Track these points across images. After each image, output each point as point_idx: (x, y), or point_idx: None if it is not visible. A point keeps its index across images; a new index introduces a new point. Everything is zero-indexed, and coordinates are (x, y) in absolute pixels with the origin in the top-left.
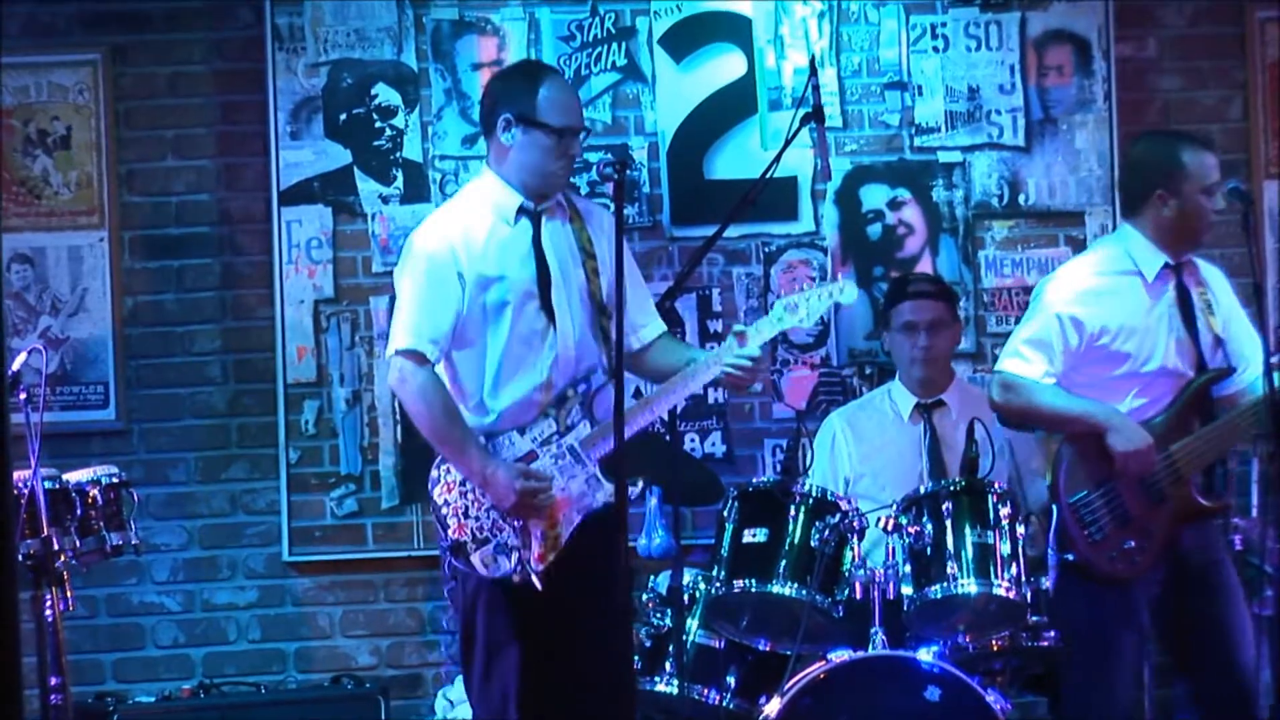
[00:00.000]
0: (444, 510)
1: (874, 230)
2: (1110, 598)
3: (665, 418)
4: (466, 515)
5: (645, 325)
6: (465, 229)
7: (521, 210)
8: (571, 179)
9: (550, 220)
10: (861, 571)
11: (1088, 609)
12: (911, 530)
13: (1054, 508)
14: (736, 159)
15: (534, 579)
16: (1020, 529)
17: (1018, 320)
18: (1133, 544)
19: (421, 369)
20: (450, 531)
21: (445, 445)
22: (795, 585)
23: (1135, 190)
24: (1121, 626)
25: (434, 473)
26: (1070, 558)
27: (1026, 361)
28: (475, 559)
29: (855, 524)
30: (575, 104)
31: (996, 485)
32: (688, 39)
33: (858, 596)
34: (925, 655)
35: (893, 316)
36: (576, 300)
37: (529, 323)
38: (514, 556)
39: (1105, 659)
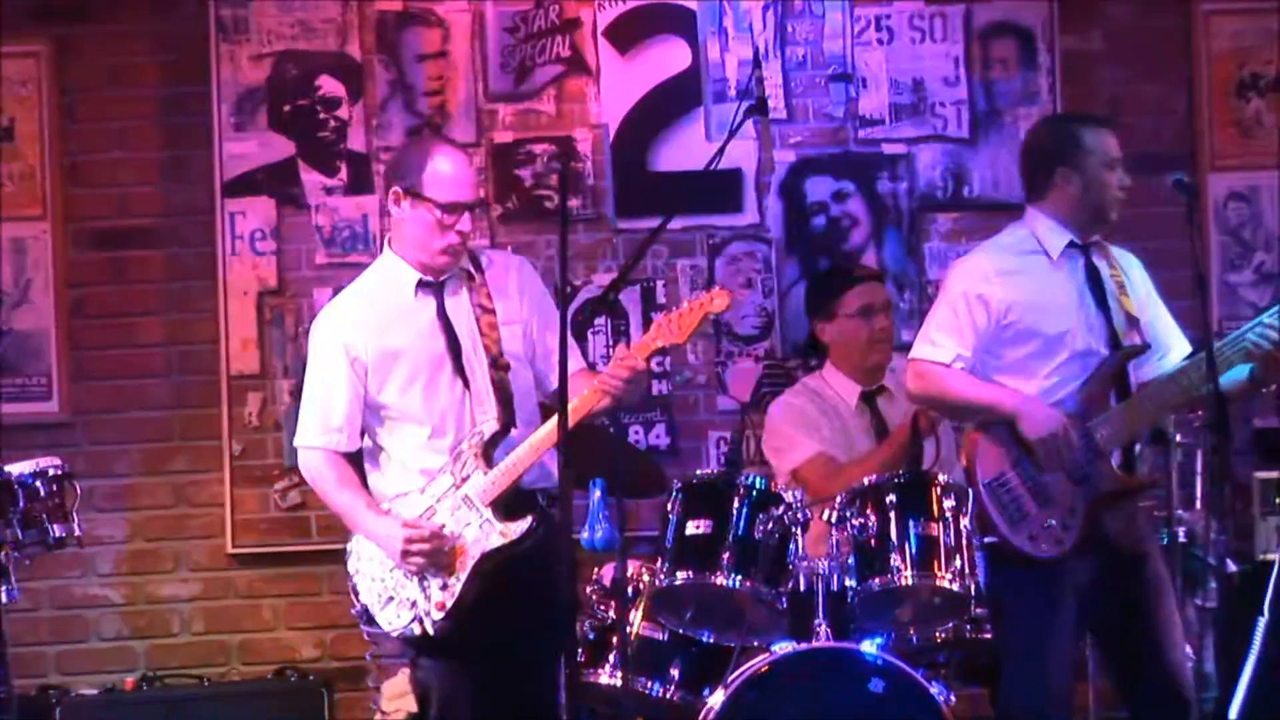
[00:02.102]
0: (354, 579)
1: (818, 222)
2: (1039, 584)
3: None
4: (373, 579)
5: (552, 373)
6: (365, 310)
7: (421, 284)
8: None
9: (453, 286)
10: (805, 563)
11: (1016, 595)
12: (855, 522)
13: (969, 491)
14: (681, 151)
15: (429, 627)
16: (965, 520)
17: None
18: (1054, 523)
19: (317, 455)
20: (359, 598)
21: (343, 515)
22: (739, 577)
23: (1038, 172)
24: (1052, 613)
25: (349, 545)
26: (991, 540)
27: (938, 347)
28: (381, 619)
29: (799, 516)
30: (465, 177)
31: (940, 477)
32: (632, 31)
33: (802, 588)
34: (869, 647)
35: (842, 304)
36: (478, 361)
37: (445, 389)
38: (414, 610)
39: (1038, 647)
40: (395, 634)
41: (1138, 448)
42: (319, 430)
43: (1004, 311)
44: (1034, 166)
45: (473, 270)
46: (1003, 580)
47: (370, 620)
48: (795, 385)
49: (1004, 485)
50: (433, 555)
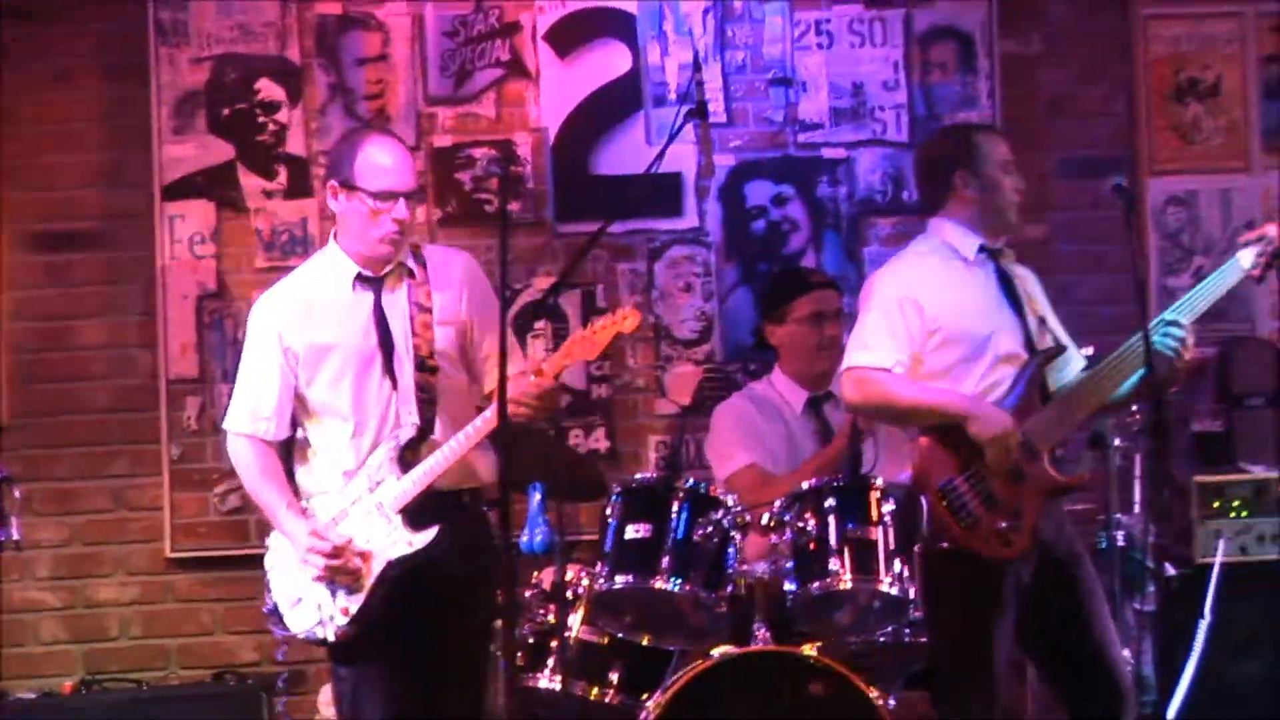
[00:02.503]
0: (270, 576)
1: (758, 226)
2: (982, 587)
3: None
4: (286, 578)
5: (489, 374)
6: (301, 301)
7: (360, 278)
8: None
9: (391, 284)
10: (745, 567)
11: (961, 600)
12: (794, 526)
13: (922, 499)
14: (621, 155)
15: (332, 631)
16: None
17: None
18: (1005, 525)
19: (243, 442)
20: (270, 595)
21: (259, 503)
22: (678, 581)
23: (936, 181)
24: (996, 616)
25: (269, 539)
26: (945, 546)
27: (876, 353)
28: (289, 619)
29: (738, 520)
30: (398, 165)
31: (879, 481)
32: (572, 34)
33: (741, 592)
34: (808, 651)
35: (793, 309)
36: (410, 364)
37: (373, 387)
38: (319, 613)
39: (982, 650)
40: (301, 636)
41: (1059, 450)
42: (248, 418)
43: (934, 317)
44: (932, 175)
45: (414, 267)
46: (948, 586)
47: (279, 619)
48: (742, 390)
49: (954, 490)
50: (334, 566)
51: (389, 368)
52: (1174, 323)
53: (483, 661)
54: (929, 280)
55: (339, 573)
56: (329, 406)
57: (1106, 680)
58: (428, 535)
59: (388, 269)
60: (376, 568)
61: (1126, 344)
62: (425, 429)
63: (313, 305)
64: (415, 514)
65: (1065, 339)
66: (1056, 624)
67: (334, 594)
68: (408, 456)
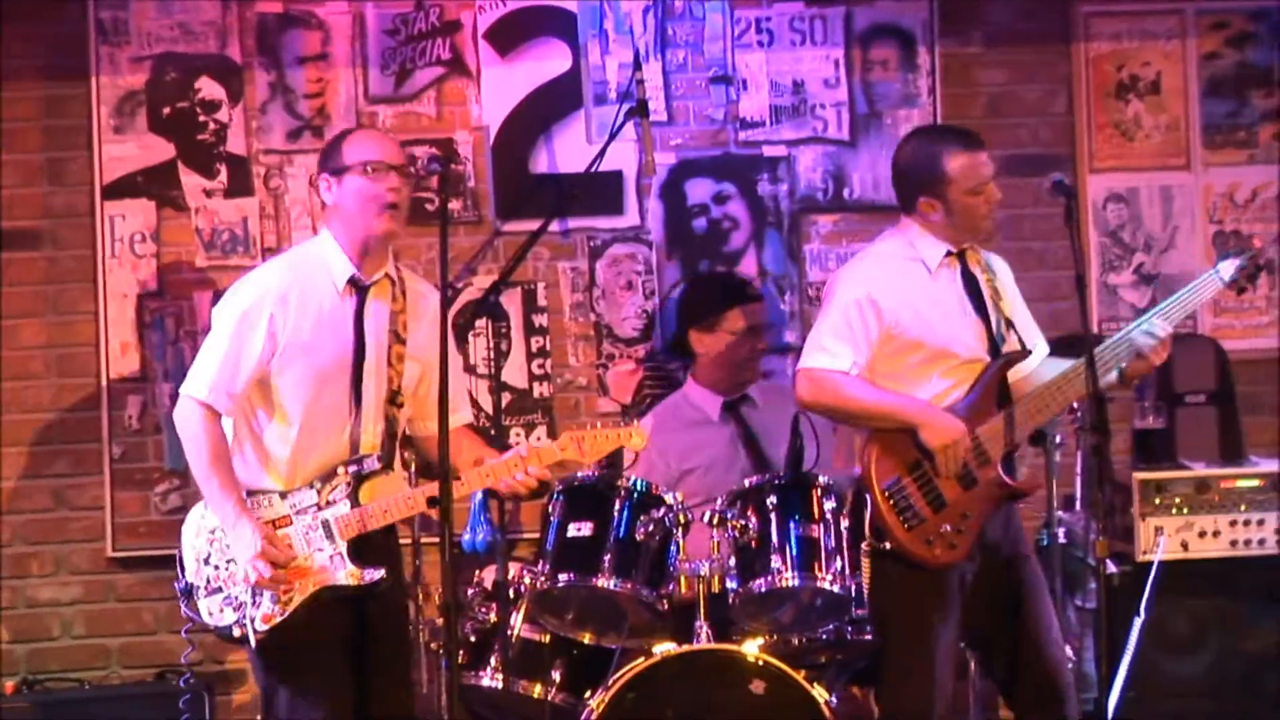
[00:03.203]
0: (186, 551)
1: (699, 224)
2: (926, 586)
3: (490, 412)
4: (206, 562)
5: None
6: (293, 291)
7: (352, 282)
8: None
9: (376, 298)
10: (686, 565)
11: (905, 598)
12: (736, 524)
13: (867, 497)
14: (562, 153)
15: (251, 636)
16: (845, 522)
17: None
18: (949, 528)
19: (200, 413)
20: (185, 574)
21: (207, 488)
22: (620, 579)
23: (904, 194)
24: (939, 615)
25: (190, 513)
26: (886, 546)
27: (831, 355)
28: (203, 605)
29: (680, 518)
30: (385, 144)
31: (821, 479)
32: (513, 33)
33: (683, 590)
34: (750, 649)
35: (725, 319)
36: (376, 384)
37: (335, 396)
38: (239, 613)
39: (924, 648)
40: (212, 626)
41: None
42: (213, 388)
43: (893, 320)
44: (900, 187)
45: (396, 292)
46: (892, 582)
47: (190, 600)
48: (657, 406)
49: (900, 491)
50: (276, 577)
51: (356, 383)
52: (1153, 327)
53: (408, 656)
54: (890, 283)
55: (275, 582)
56: (287, 403)
57: (1047, 679)
58: (373, 575)
59: (377, 275)
60: (310, 587)
61: (1067, 365)
62: (386, 465)
63: (304, 298)
64: (361, 548)
65: (1032, 334)
66: (999, 623)
67: (256, 598)
68: (363, 486)
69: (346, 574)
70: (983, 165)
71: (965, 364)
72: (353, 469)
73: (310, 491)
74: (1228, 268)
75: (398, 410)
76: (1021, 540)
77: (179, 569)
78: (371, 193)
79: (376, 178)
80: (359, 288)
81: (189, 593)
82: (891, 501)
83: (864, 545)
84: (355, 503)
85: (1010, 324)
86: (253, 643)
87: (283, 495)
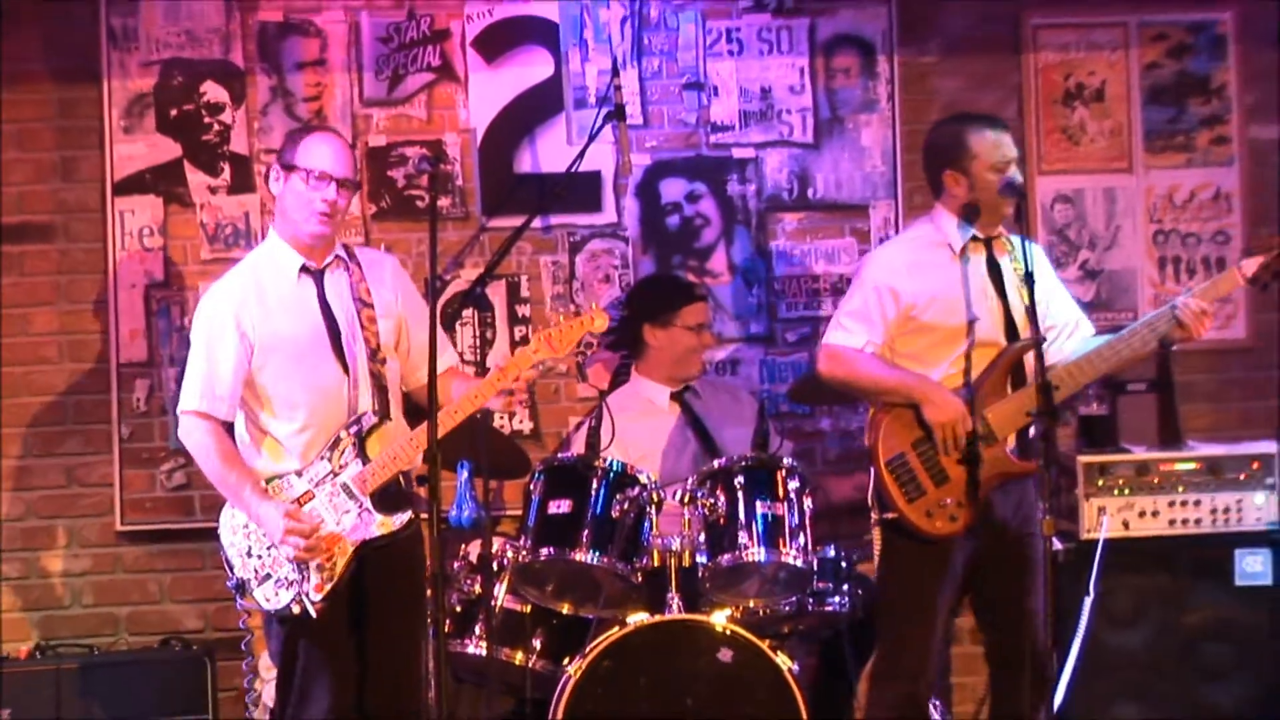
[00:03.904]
0: (229, 551)
1: (673, 221)
2: (930, 559)
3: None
4: (249, 555)
5: (421, 366)
6: (251, 291)
7: (304, 269)
8: (328, 228)
9: (332, 275)
10: (659, 540)
11: (908, 569)
12: (706, 503)
13: (872, 470)
14: (544, 154)
15: (310, 608)
16: (808, 501)
17: (806, 306)
18: (950, 501)
19: (201, 424)
20: (235, 571)
21: (224, 487)
22: (597, 553)
23: (931, 173)
24: (939, 588)
25: (222, 515)
26: (890, 516)
27: (849, 333)
28: (258, 595)
29: (653, 496)
30: (336, 154)
31: (786, 461)
32: (499, 41)
33: (655, 564)
34: (718, 619)
35: (681, 315)
36: (359, 349)
37: (324, 373)
38: (292, 590)
39: (922, 617)
40: (272, 611)
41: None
42: (204, 397)
43: (911, 304)
44: (929, 166)
45: (348, 262)
46: (898, 551)
47: (245, 593)
48: (615, 391)
49: (903, 464)
50: (310, 545)
51: (339, 354)
52: (1191, 299)
53: (421, 636)
54: (911, 268)
55: (314, 552)
56: (281, 392)
57: (1035, 654)
58: (401, 517)
59: (327, 259)
60: (350, 546)
61: (1103, 340)
62: (384, 416)
63: (264, 295)
64: (383, 497)
65: (1065, 312)
66: (1003, 596)
67: (304, 573)
68: (366, 441)
69: (378, 525)
70: (1006, 145)
71: (981, 345)
72: (353, 429)
73: (322, 463)
74: (1250, 264)
75: (382, 366)
76: (1032, 520)
77: (227, 568)
78: (307, 199)
79: (315, 187)
80: (313, 272)
81: (242, 588)
82: (894, 474)
83: (872, 515)
84: (365, 459)
85: (1033, 312)
86: (313, 613)
87: (299, 474)
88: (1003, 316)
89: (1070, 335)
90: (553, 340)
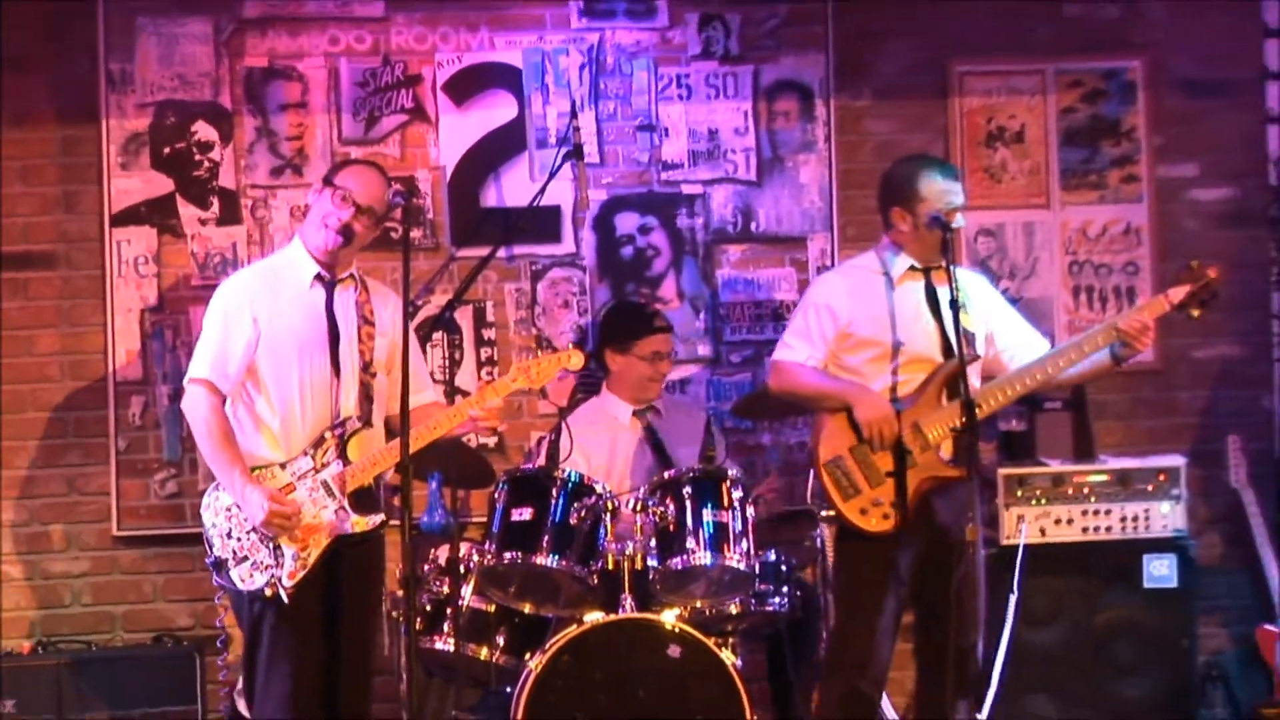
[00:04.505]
0: (210, 530)
1: (627, 252)
2: (875, 555)
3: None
4: (229, 536)
5: (418, 393)
6: (269, 285)
7: (318, 278)
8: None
9: (343, 290)
10: (614, 545)
11: (852, 568)
12: (657, 511)
13: (812, 471)
14: (509, 189)
15: (282, 593)
16: (750, 509)
17: (749, 330)
18: (883, 500)
19: (209, 398)
20: (214, 549)
21: (215, 464)
22: (556, 557)
23: (883, 206)
24: (882, 587)
25: (206, 498)
26: (829, 513)
27: (792, 349)
28: (234, 574)
29: (608, 505)
30: (367, 184)
31: (730, 472)
32: (467, 86)
33: (610, 567)
34: (668, 618)
35: (638, 345)
36: (350, 357)
37: (318, 370)
38: (267, 573)
39: (866, 612)
40: (245, 590)
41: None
42: (213, 369)
43: (847, 322)
44: (881, 200)
45: (359, 284)
46: (844, 553)
47: (222, 571)
48: (579, 408)
49: (840, 466)
50: (290, 529)
51: (334, 358)
52: (1135, 315)
53: (375, 630)
54: (849, 291)
55: (289, 535)
56: (277, 383)
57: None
58: (374, 519)
59: (341, 276)
60: (325, 540)
61: (1035, 360)
62: (366, 423)
63: (279, 292)
64: (359, 498)
65: (1016, 334)
66: (940, 599)
67: (280, 559)
68: (348, 443)
69: (353, 523)
70: (953, 193)
71: (916, 361)
72: (338, 431)
73: (305, 459)
74: (1178, 291)
75: (371, 378)
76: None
77: (207, 546)
78: (327, 210)
79: (338, 205)
80: (325, 282)
81: (220, 565)
82: (832, 475)
83: (816, 513)
84: (345, 460)
85: (971, 335)
86: (285, 599)
87: (283, 466)
88: (939, 338)
89: (1024, 355)
90: (530, 372)
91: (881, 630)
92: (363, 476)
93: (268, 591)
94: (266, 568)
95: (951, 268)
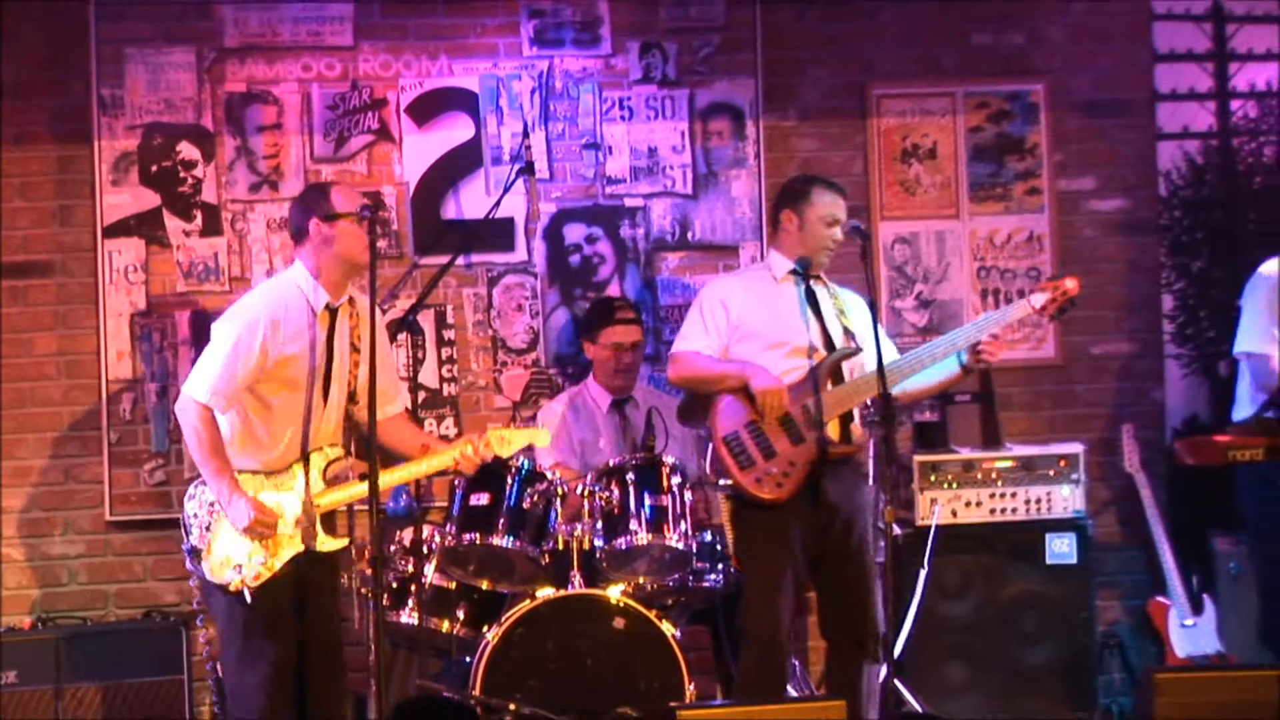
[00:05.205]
0: (191, 521)
1: (574, 260)
2: (767, 529)
3: (409, 407)
4: (207, 529)
5: (389, 404)
6: (281, 313)
7: (327, 307)
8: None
9: (342, 316)
10: (563, 527)
11: (752, 537)
12: (603, 496)
13: (710, 445)
14: (466, 203)
15: (246, 593)
16: (689, 494)
17: None
18: (776, 470)
19: (202, 412)
20: (191, 538)
21: (206, 468)
22: (511, 538)
23: (774, 210)
24: (778, 556)
25: (190, 490)
26: (726, 483)
27: (689, 340)
28: (204, 565)
29: (558, 490)
30: (357, 194)
31: (669, 460)
32: (428, 108)
33: (560, 547)
34: (613, 593)
35: (601, 336)
36: (339, 387)
37: (309, 396)
38: (237, 572)
39: (768, 577)
40: (214, 582)
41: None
42: (213, 394)
43: (737, 315)
44: (773, 207)
45: (352, 306)
46: (741, 524)
47: (196, 559)
48: (563, 393)
49: (736, 439)
50: (268, 536)
51: (325, 385)
52: (983, 326)
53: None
54: (739, 288)
55: (264, 539)
56: (273, 404)
57: (862, 620)
58: (340, 543)
59: (342, 300)
60: (290, 552)
61: (912, 353)
62: (346, 450)
63: (287, 322)
64: (329, 520)
65: (876, 345)
66: (831, 567)
67: (250, 560)
68: (331, 468)
69: (320, 543)
70: (839, 207)
71: (800, 350)
72: (323, 457)
73: (290, 475)
74: (1039, 298)
75: (354, 406)
76: (862, 505)
77: (184, 534)
78: (359, 234)
79: (366, 225)
80: (331, 310)
81: (194, 553)
82: (729, 447)
83: (716, 483)
84: (323, 483)
85: (850, 332)
86: (248, 598)
87: (268, 474)
88: (820, 332)
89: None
90: (505, 440)
91: (781, 600)
92: (338, 502)
93: (233, 587)
94: (236, 566)
95: (870, 292)
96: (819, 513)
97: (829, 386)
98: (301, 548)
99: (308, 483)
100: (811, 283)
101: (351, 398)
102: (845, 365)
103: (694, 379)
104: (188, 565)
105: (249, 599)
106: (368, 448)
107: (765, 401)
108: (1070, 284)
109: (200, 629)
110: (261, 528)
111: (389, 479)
